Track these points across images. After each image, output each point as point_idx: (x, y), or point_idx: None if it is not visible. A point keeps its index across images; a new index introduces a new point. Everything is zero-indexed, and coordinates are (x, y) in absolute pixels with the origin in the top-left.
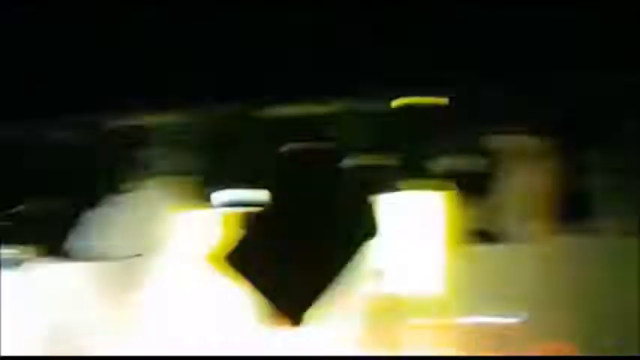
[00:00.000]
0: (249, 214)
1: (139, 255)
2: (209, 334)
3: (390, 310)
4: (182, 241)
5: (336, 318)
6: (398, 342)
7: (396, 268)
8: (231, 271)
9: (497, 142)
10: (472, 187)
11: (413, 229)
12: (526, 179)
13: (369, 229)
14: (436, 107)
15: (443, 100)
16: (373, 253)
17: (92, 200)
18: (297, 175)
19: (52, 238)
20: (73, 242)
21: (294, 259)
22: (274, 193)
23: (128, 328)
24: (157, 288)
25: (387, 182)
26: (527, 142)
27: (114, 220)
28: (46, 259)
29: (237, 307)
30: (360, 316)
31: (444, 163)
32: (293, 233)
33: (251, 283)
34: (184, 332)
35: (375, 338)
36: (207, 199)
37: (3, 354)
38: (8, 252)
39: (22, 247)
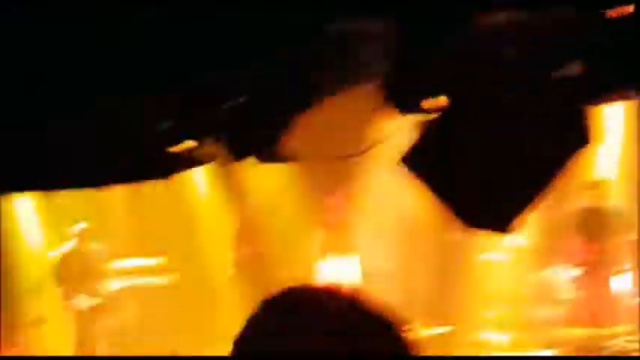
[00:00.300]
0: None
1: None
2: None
3: (601, 225)
4: (383, 147)
5: (542, 229)
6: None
7: (611, 180)
8: (412, 174)
9: None
10: None
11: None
12: None
13: (580, 140)
14: None
15: None
16: (587, 164)
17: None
18: (500, 81)
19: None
20: (278, 143)
21: (490, 165)
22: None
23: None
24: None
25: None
26: None
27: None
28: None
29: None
30: (569, 230)
31: None
32: (488, 139)
33: (430, 185)
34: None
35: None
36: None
37: None
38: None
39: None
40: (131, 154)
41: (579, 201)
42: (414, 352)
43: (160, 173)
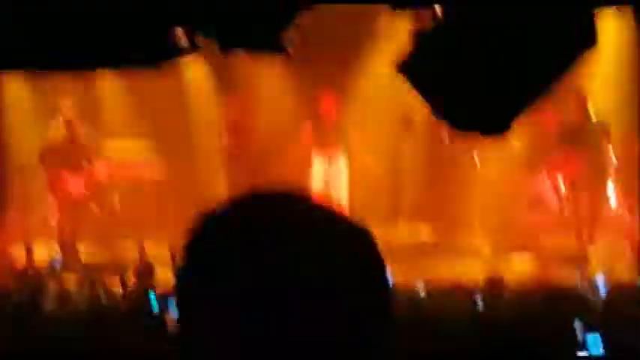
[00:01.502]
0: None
1: None
2: None
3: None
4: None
5: (532, 136)
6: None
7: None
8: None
9: None
10: None
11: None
12: None
13: (585, 42)
14: None
15: None
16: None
17: None
18: None
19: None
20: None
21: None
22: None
23: None
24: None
25: None
26: None
27: None
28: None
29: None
30: (557, 139)
31: None
32: (487, 43)
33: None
34: None
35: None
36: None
37: None
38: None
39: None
40: (122, 39)
41: (568, 110)
42: (379, 258)
43: (149, 60)
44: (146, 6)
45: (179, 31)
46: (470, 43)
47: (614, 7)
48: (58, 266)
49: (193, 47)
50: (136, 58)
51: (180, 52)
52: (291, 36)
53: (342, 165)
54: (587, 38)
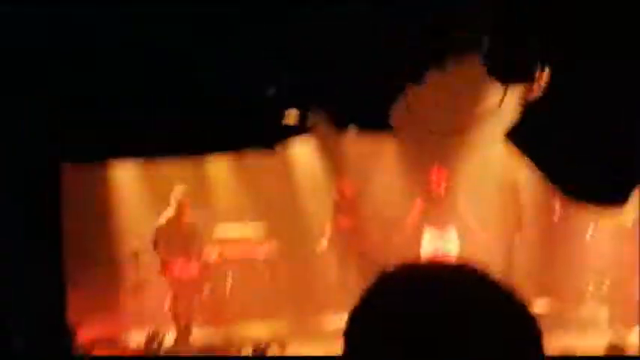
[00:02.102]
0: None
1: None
2: None
3: None
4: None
5: None
6: None
7: None
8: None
9: None
10: None
11: None
12: None
13: None
14: None
15: None
16: None
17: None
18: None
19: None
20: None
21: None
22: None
23: None
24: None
25: None
26: None
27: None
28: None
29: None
30: None
31: None
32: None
33: (537, 160)
34: None
35: None
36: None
37: None
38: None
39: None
40: (235, 122)
41: None
42: (539, 327)
43: (263, 142)
44: (257, 87)
45: (292, 112)
46: (582, 108)
47: None
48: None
49: (306, 127)
50: (249, 141)
51: (293, 132)
52: (399, 112)
53: (453, 240)
54: None
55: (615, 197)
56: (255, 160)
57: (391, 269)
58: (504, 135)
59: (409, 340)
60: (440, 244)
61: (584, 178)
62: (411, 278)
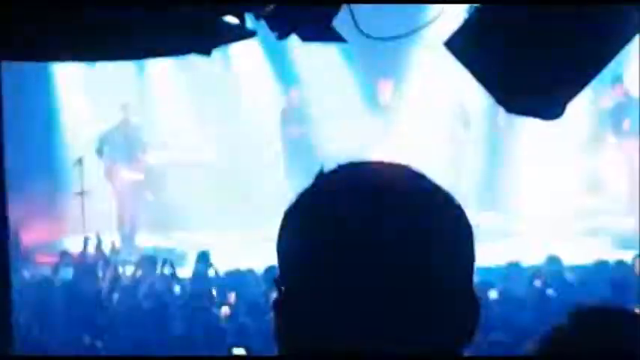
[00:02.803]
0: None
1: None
2: None
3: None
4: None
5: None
6: None
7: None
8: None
9: None
10: None
11: None
12: None
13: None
14: None
15: None
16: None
17: None
18: None
19: None
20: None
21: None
22: None
23: None
24: None
25: None
26: None
27: None
28: None
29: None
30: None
31: None
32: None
33: (475, 71)
34: None
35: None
36: None
37: None
38: None
39: None
40: (173, 26)
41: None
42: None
43: (201, 46)
44: None
45: (232, 17)
46: (521, 22)
47: None
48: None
49: (247, 32)
50: (188, 45)
51: (233, 37)
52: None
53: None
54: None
55: (550, 112)
56: (201, 65)
57: (329, 171)
58: (443, 43)
59: (334, 240)
60: (389, 156)
61: (520, 89)
62: (345, 178)
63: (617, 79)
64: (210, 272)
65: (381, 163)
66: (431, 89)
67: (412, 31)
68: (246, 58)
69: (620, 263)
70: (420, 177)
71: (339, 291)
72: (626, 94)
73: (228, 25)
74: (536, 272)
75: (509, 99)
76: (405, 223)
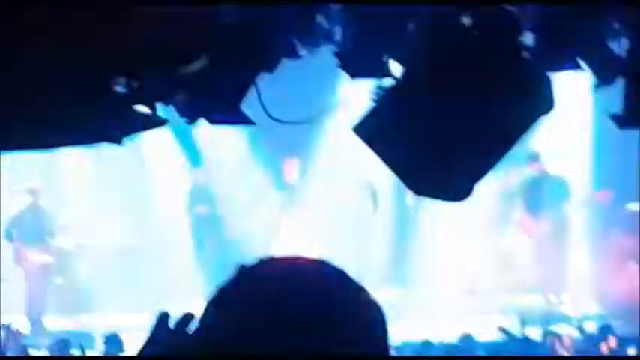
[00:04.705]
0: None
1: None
2: None
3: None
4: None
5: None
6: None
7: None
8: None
9: None
10: None
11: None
12: None
13: (541, 108)
14: None
15: None
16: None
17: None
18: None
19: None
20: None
21: (445, 135)
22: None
23: None
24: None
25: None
26: None
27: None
28: None
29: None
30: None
31: None
32: (443, 109)
33: (384, 156)
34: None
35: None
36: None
37: None
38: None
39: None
40: (83, 118)
41: (524, 172)
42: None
43: (112, 137)
44: (109, 81)
45: (144, 106)
46: (425, 107)
47: (571, 71)
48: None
49: (159, 120)
50: (99, 135)
51: (142, 127)
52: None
53: (307, 231)
54: (545, 102)
55: (457, 194)
56: (110, 152)
57: (250, 264)
58: (351, 128)
59: (259, 334)
60: (295, 235)
61: (426, 173)
62: (267, 275)
63: (534, 157)
64: (121, 354)
65: (299, 259)
66: (338, 168)
67: (319, 115)
68: (154, 141)
69: (528, 340)
70: (338, 272)
71: None
72: (542, 171)
73: (140, 114)
74: (448, 349)
75: (416, 182)
76: (312, 316)
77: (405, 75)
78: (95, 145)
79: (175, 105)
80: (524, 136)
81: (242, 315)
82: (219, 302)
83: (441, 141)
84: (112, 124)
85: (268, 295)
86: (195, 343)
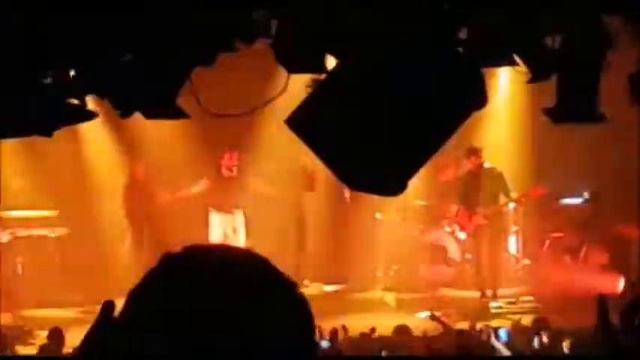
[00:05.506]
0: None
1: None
2: None
3: (480, 190)
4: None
5: (429, 193)
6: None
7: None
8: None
9: None
10: None
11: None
12: None
13: (475, 102)
14: None
15: None
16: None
17: None
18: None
19: None
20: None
21: (377, 128)
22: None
23: None
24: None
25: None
26: None
27: None
28: None
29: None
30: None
31: None
32: (375, 100)
33: (315, 148)
34: None
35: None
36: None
37: None
38: None
39: None
40: (14, 109)
41: (461, 166)
42: (309, 310)
43: (43, 128)
44: (41, 74)
45: (76, 97)
46: (358, 100)
47: (505, 65)
48: None
49: (89, 114)
50: (31, 126)
51: (74, 119)
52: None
53: (240, 223)
54: (478, 97)
55: (391, 188)
56: (44, 144)
57: (174, 253)
58: (284, 121)
59: (179, 330)
60: (227, 227)
61: (360, 166)
62: (189, 265)
63: (472, 151)
64: (63, 349)
65: (224, 248)
66: (276, 158)
67: (254, 109)
68: (91, 135)
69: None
70: (262, 262)
71: None
72: (479, 165)
73: (70, 107)
74: (385, 343)
75: (350, 175)
76: (237, 307)
77: (338, 69)
78: (25, 136)
79: (109, 97)
80: (456, 131)
81: (163, 305)
82: (141, 291)
83: (374, 134)
84: (42, 116)
85: (190, 284)
86: (115, 332)
